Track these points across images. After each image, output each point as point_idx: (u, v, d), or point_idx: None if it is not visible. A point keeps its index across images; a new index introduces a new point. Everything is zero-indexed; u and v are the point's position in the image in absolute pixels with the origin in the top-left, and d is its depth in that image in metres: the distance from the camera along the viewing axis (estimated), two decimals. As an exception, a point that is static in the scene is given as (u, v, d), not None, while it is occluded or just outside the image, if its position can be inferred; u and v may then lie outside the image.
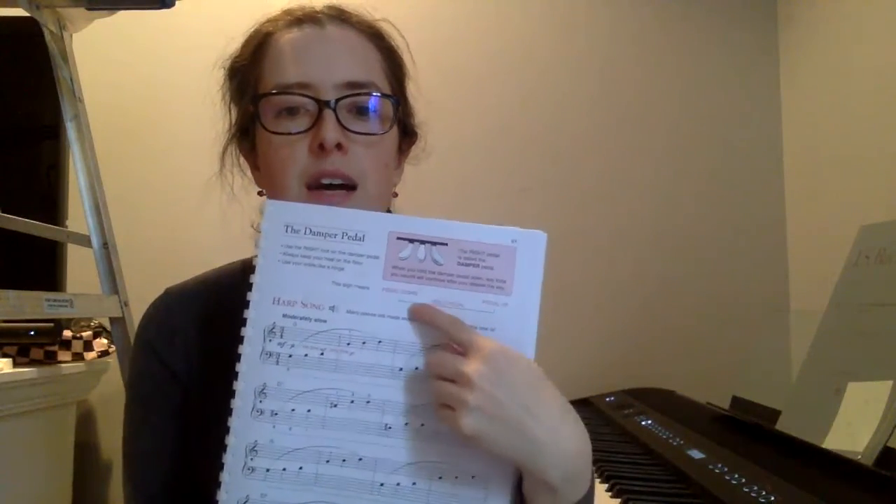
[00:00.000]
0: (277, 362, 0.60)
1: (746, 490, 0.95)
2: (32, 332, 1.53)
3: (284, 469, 0.59)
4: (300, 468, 0.59)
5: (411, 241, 0.61)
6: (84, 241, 1.50)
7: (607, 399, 1.78)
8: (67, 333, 1.61)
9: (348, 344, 0.60)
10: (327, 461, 0.60)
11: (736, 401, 1.54)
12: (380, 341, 0.60)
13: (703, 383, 1.78)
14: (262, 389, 0.60)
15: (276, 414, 0.59)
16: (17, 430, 1.39)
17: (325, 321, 0.60)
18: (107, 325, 1.68)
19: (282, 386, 0.60)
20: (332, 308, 0.60)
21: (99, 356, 1.66)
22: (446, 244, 0.61)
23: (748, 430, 1.28)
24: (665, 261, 2.06)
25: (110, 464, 1.88)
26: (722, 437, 1.28)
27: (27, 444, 1.44)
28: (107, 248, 1.50)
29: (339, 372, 0.60)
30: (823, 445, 1.07)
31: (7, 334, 1.52)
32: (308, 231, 0.61)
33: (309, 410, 0.60)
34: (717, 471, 1.06)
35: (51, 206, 1.59)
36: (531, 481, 0.58)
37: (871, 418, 1.01)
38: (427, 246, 0.61)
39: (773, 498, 0.91)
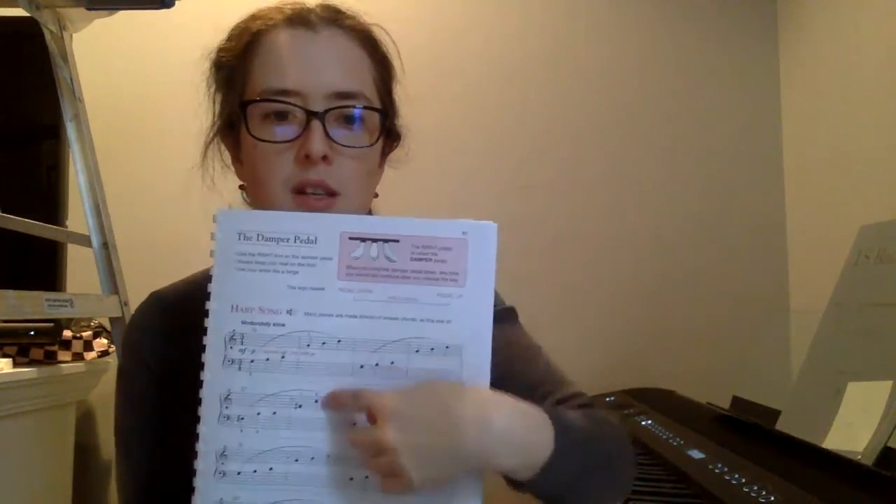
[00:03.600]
0: (240, 368, 0.61)
1: (746, 490, 0.95)
2: (32, 332, 1.53)
3: (255, 471, 0.60)
4: (270, 469, 0.61)
5: (363, 240, 0.62)
6: (84, 241, 1.50)
7: (607, 399, 1.78)
8: (67, 333, 1.61)
9: (308, 345, 0.61)
10: (296, 460, 0.61)
11: (736, 401, 1.54)
12: (339, 341, 0.61)
13: (703, 383, 1.78)
14: (228, 396, 0.61)
15: (242, 418, 0.61)
16: (17, 430, 1.39)
17: (283, 325, 0.61)
18: (107, 325, 1.68)
19: (246, 391, 0.61)
20: (290, 311, 0.61)
21: (99, 356, 1.66)
22: (398, 241, 0.62)
23: (748, 430, 1.28)
24: (665, 260, 2.06)
25: (110, 464, 1.88)
26: (722, 437, 1.28)
27: (27, 444, 1.44)
28: (107, 248, 1.50)
29: (302, 373, 0.61)
30: (823, 445, 1.07)
31: (7, 334, 1.52)
32: (260, 237, 0.62)
33: (274, 413, 0.61)
34: (717, 471, 1.06)
35: (51, 206, 1.59)
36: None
37: (871, 418, 1.01)
38: (379, 244, 0.62)
39: (773, 498, 0.91)
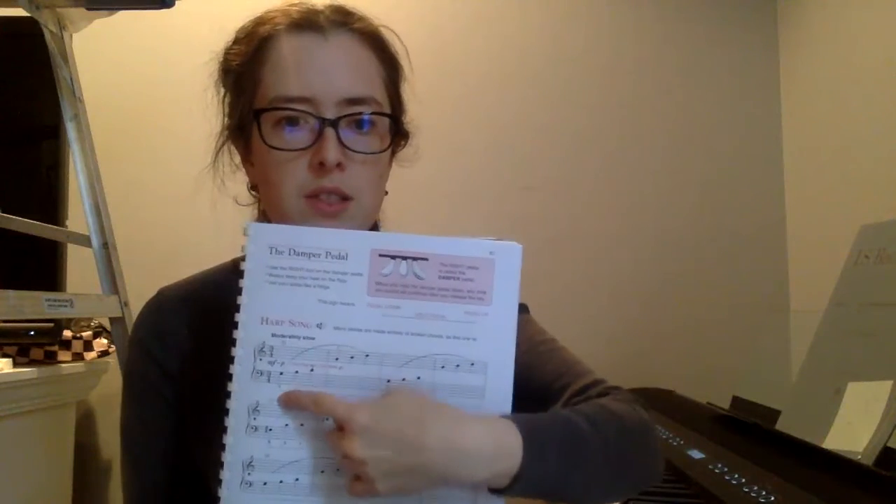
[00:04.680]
0: (269, 380, 0.61)
1: (746, 490, 0.95)
2: (32, 332, 1.53)
3: (281, 481, 0.61)
4: (297, 479, 0.61)
5: (393, 257, 0.63)
6: (84, 241, 1.50)
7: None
8: (67, 333, 1.61)
9: (336, 359, 0.62)
10: (322, 471, 0.61)
11: (736, 401, 1.54)
12: (367, 355, 0.62)
13: (703, 383, 1.78)
14: (256, 407, 0.61)
15: (270, 430, 0.61)
16: (17, 430, 1.39)
17: (313, 338, 0.62)
18: (107, 325, 1.68)
19: (274, 403, 0.61)
20: (320, 325, 0.62)
21: (99, 356, 1.66)
22: (427, 259, 0.63)
23: (748, 430, 1.28)
24: (665, 261, 2.06)
25: (110, 464, 1.88)
26: (722, 437, 1.28)
27: (27, 444, 1.44)
28: (107, 248, 1.50)
29: (330, 386, 0.61)
30: (823, 445, 1.07)
31: (7, 334, 1.51)
32: (292, 252, 0.62)
33: (302, 424, 0.62)
34: (717, 471, 1.06)
35: (51, 206, 1.59)
36: None
37: (871, 418, 1.01)
38: (408, 261, 0.63)
39: (773, 498, 0.91)
